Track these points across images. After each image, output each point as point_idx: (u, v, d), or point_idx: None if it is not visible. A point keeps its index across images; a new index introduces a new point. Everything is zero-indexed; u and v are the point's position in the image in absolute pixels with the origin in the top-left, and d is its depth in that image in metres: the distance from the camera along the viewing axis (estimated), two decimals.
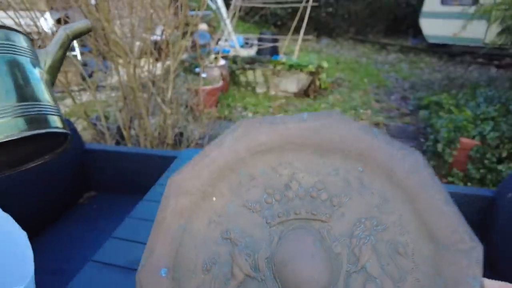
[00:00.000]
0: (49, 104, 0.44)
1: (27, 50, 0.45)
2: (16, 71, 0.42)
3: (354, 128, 0.43)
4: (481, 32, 6.74)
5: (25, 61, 0.44)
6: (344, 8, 9.95)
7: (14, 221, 0.62)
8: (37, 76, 0.45)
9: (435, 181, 0.38)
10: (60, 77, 2.31)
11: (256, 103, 4.59)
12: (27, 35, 0.47)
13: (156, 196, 1.27)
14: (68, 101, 2.81)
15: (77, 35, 0.52)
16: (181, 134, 2.50)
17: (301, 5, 5.67)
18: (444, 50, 8.15)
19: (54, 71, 0.49)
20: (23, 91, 0.42)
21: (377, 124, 4.06)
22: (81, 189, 1.83)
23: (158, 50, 2.38)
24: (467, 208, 1.29)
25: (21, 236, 0.62)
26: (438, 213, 0.36)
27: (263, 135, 0.44)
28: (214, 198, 0.44)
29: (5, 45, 0.42)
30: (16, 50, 0.43)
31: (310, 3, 5.41)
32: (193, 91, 3.53)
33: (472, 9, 4.84)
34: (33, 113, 0.41)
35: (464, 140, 2.59)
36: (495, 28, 4.19)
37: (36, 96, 0.43)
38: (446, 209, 0.36)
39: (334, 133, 0.43)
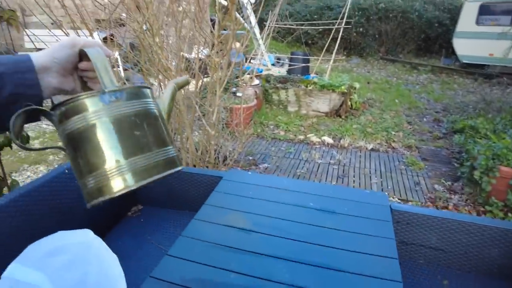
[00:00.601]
0: (172, 146, 0.55)
1: (154, 102, 0.56)
2: (153, 122, 0.53)
3: None
4: None
5: (157, 112, 0.55)
6: (374, 28, 9.97)
7: (105, 244, 0.72)
8: (163, 123, 0.55)
9: None
10: None
11: (287, 122, 4.67)
12: (151, 87, 0.58)
13: (207, 216, 1.36)
14: None
15: (181, 86, 0.64)
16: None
17: (334, 27, 5.77)
18: (479, 71, 7.96)
19: (168, 115, 0.60)
20: (159, 138, 0.52)
21: (409, 147, 4.02)
22: (130, 202, 1.95)
23: (202, 68, 2.52)
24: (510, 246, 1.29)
25: (112, 258, 0.72)
26: None
27: None
28: None
29: (142, 102, 0.53)
30: (149, 104, 0.54)
31: (343, 24, 5.50)
32: (228, 109, 3.66)
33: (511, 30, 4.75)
34: (166, 156, 0.52)
35: (504, 169, 2.54)
36: None
37: (166, 141, 0.54)
38: None
39: None
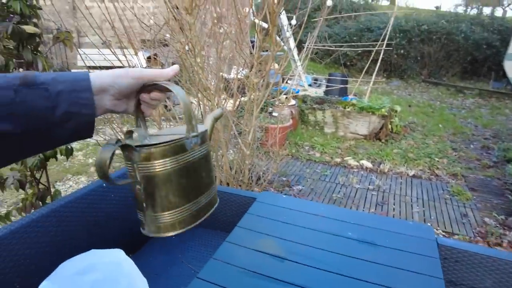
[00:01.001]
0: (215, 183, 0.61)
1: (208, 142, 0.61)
2: (210, 161, 0.58)
3: None
4: None
5: (208, 152, 0.59)
6: (416, 50, 9.69)
7: (135, 266, 0.70)
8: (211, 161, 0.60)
9: None
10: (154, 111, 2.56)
11: (324, 143, 4.57)
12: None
13: (239, 239, 1.32)
14: (153, 130, 3.09)
15: (217, 119, 0.66)
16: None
17: (374, 49, 5.67)
18: None
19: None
20: (212, 177, 0.58)
21: (454, 175, 3.77)
22: None
23: (240, 88, 2.55)
24: None
25: (142, 281, 0.70)
26: None
27: None
28: None
29: (207, 144, 0.57)
30: (208, 145, 0.59)
31: (384, 46, 5.39)
32: (264, 128, 3.65)
33: None
34: (215, 192, 0.58)
35: None
36: None
37: (213, 179, 0.60)
38: None
39: None
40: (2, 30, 1.42)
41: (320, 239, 1.28)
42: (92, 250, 0.74)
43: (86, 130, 0.51)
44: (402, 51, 9.67)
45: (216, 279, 1.16)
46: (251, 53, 2.32)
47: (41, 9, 1.65)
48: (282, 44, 5.16)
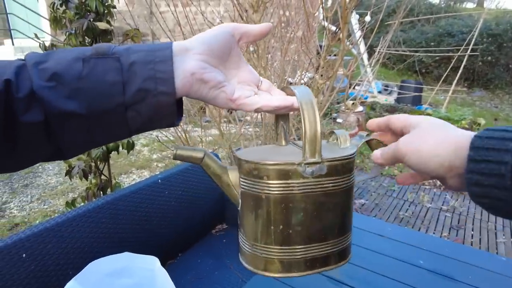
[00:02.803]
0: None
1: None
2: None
3: None
4: None
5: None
6: (508, 56, 8.59)
7: (169, 276, 0.63)
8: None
9: None
10: (214, 109, 2.57)
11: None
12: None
13: None
14: (213, 131, 3.11)
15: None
16: None
17: (456, 55, 5.13)
18: None
19: None
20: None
21: None
22: (216, 220, 1.91)
23: None
24: None
25: None
26: None
27: None
28: None
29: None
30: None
31: (468, 52, 4.84)
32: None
33: None
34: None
35: None
36: None
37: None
38: None
39: None
40: (78, 26, 1.49)
41: (384, 264, 1.10)
42: (126, 252, 0.69)
43: (166, 115, 0.39)
44: (489, 58, 8.66)
45: None
46: (318, 53, 2.19)
47: (115, 7, 1.71)
48: (351, 47, 4.93)
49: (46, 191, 3.19)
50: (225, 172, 0.44)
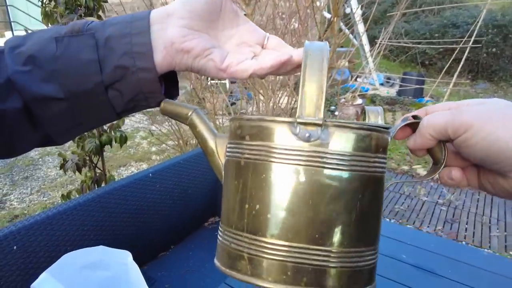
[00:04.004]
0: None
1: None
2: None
3: None
4: None
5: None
6: None
7: (140, 272, 0.64)
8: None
9: None
10: (209, 104, 2.57)
11: (391, 148, 4.21)
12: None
13: None
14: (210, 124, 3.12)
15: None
16: None
17: (458, 47, 5.06)
18: None
19: None
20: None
21: None
22: (209, 213, 1.94)
23: (298, 85, 2.43)
24: None
25: None
26: None
27: None
28: None
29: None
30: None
31: (470, 43, 4.77)
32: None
33: None
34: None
35: None
36: None
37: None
38: None
39: None
40: (67, 22, 1.49)
41: None
42: (101, 246, 0.71)
43: (151, 93, 0.34)
44: (494, 50, 8.53)
45: (242, 285, 1.08)
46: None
47: (106, 1, 1.71)
48: (352, 38, 4.88)
49: (46, 184, 3.24)
50: (212, 138, 0.37)
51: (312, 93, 0.29)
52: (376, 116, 0.35)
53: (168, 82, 0.38)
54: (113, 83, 0.33)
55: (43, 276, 0.60)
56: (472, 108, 0.31)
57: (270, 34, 0.39)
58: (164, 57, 0.33)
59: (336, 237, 0.29)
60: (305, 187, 0.29)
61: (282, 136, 0.29)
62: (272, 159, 0.29)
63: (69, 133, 0.37)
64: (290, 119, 0.29)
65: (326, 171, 0.29)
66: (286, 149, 0.29)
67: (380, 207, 0.32)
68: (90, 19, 0.35)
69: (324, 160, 0.29)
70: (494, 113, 0.30)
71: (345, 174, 0.29)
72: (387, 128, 0.32)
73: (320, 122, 0.29)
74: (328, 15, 1.94)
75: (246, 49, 0.37)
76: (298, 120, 0.29)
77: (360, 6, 2.61)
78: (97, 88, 0.33)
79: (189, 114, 0.37)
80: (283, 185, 0.29)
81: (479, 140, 0.29)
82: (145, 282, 0.60)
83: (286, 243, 0.29)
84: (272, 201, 0.29)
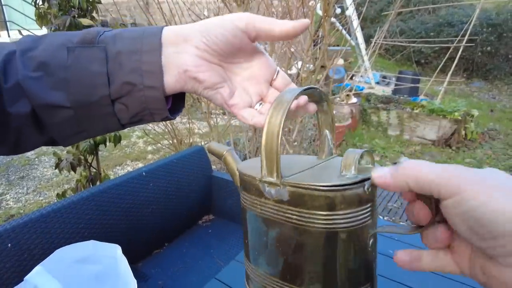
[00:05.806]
0: None
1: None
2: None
3: None
4: None
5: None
6: (508, 46, 8.52)
7: (128, 265, 0.66)
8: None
9: None
10: (204, 103, 2.59)
11: (385, 146, 4.25)
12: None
13: None
14: (204, 123, 3.14)
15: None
16: None
17: (452, 45, 5.11)
18: None
19: None
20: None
21: None
22: (203, 211, 1.96)
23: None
24: None
25: (133, 281, 0.66)
26: None
27: None
28: None
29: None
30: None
31: (464, 42, 4.82)
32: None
33: None
34: None
35: None
36: None
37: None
38: None
39: None
40: (61, 23, 1.51)
41: None
42: (91, 240, 0.73)
43: (156, 110, 0.35)
44: (489, 48, 8.59)
45: (232, 281, 1.10)
46: (315, 45, 2.18)
47: (100, 3, 1.73)
48: (349, 37, 4.92)
49: (42, 183, 3.26)
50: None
51: (268, 155, 0.32)
52: (348, 165, 0.31)
53: (175, 94, 0.38)
54: (120, 97, 0.34)
55: (37, 269, 0.62)
56: (464, 171, 0.25)
57: (281, 70, 0.40)
58: (177, 80, 0.35)
59: (303, 281, 0.32)
60: (275, 234, 0.33)
61: (258, 191, 0.34)
62: (253, 208, 0.35)
63: (73, 138, 0.38)
64: (259, 178, 0.33)
65: (289, 225, 0.32)
66: (260, 202, 0.34)
67: (357, 256, 0.31)
68: (83, 21, 0.37)
69: (287, 215, 0.32)
70: (491, 179, 0.24)
71: (308, 230, 0.31)
72: (349, 185, 0.29)
73: (278, 182, 0.32)
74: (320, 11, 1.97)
75: (254, 87, 0.39)
76: (262, 179, 0.33)
77: (352, 3, 2.63)
78: (103, 100, 0.34)
79: (223, 154, 0.44)
80: (260, 232, 0.35)
81: (470, 210, 0.23)
82: (132, 274, 0.62)
83: (264, 272, 0.36)
84: (253, 240, 0.36)
